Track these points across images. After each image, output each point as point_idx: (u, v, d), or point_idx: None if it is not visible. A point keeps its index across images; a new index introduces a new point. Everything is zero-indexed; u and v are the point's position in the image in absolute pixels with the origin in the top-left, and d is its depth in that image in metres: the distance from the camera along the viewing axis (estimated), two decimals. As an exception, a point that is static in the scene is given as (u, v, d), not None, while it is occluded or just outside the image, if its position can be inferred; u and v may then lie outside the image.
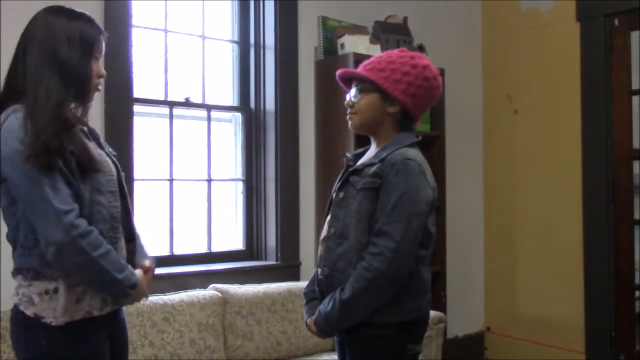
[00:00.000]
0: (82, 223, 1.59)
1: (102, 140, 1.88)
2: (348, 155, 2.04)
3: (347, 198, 1.87)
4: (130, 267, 1.73)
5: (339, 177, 1.99)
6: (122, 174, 1.84)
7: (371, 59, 1.94)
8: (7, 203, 1.66)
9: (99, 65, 1.76)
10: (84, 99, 1.73)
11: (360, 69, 1.94)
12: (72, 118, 1.67)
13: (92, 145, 1.74)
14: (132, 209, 1.89)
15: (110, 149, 1.88)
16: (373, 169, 1.84)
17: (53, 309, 1.63)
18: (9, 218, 1.68)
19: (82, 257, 1.58)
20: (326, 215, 1.98)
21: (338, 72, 1.99)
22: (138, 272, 1.79)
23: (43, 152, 1.56)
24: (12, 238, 1.69)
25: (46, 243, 1.58)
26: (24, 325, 1.65)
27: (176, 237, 3.20)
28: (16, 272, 1.68)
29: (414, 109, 1.91)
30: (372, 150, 1.98)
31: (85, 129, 1.76)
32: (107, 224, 1.70)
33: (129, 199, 1.87)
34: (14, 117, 1.61)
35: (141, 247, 1.92)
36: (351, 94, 1.96)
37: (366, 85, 1.91)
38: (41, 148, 1.56)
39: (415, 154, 1.86)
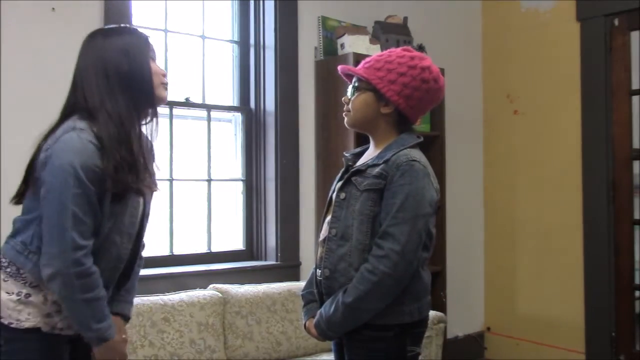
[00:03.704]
0: (87, 262, 1.60)
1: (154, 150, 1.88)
2: (347, 154, 2.02)
3: (349, 199, 1.85)
4: (111, 322, 1.69)
5: (338, 177, 1.98)
6: (148, 212, 1.84)
7: (372, 57, 1.93)
8: (32, 196, 1.67)
9: (157, 65, 1.78)
10: (152, 100, 1.75)
11: (360, 66, 1.93)
12: (138, 140, 1.70)
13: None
14: (139, 251, 1.89)
15: (155, 181, 1.85)
16: (377, 169, 1.82)
17: (18, 311, 1.63)
18: (26, 209, 1.69)
19: (69, 293, 1.59)
20: (325, 215, 1.96)
21: (339, 68, 1.99)
22: (119, 337, 1.75)
23: (107, 180, 1.60)
24: (18, 227, 1.69)
25: (45, 262, 1.59)
26: None
27: (176, 237, 3.20)
28: (3, 259, 1.67)
29: (409, 111, 1.88)
30: (372, 149, 1.96)
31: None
32: (111, 263, 1.71)
33: (142, 243, 1.88)
34: (79, 137, 1.61)
35: (130, 290, 1.89)
36: (348, 91, 1.95)
37: (362, 83, 1.90)
38: (109, 175, 1.60)
39: (419, 155, 1.85)
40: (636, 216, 3.79)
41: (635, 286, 3.78)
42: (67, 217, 1.56)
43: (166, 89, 1.80)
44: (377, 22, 3.65)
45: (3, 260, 1.66)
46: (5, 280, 1.64)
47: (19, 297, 1.63)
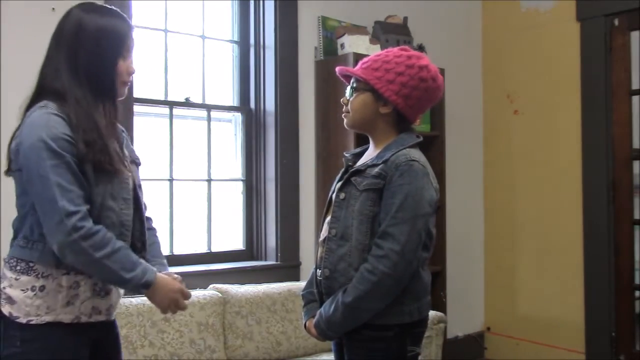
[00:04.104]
0: (87, 224, 1.57)
1: (129, 143, 1.88)
2: (347, 155, 2.02)
3: (349, 199, 1.86)
4: (145, 265, 1.67)
5: (338, 177, 1.98)
6: (139, 183, 1.84)
7: (370, 57, 1.93)
8: (19, 192, 1.68)
9: (128, 62, 1.76)
10: (113, 97, 1.75)
11: (357, 67, 1.93)
12: (105, 124, 1.69)
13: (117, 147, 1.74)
14: (145, 220, 1.87)
15: (135, 156, 1.88)
16: (376, 169, 1.82)
17: (37, 307, 1.61)
18: (18, 207, 1.70)
19: (85, 258, 1.58)
20: (325, 215, 1.96)
21: (337, 69, 1.99)
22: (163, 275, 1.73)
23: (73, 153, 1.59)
24: (17, 227, 1.69)
25: (50, 240, 1.59)
26: (2, 323, 1.64)
27: (176, 237, 3.20)
28: (6, 261, 1.67)
29: (408, 110, 1.88)
30: (371, 149, 1.96)
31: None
32: (115, 230, 1.69)
33: (144, 209, 1.86)
34: (40, 113, 1.61)
35: (158, 255, 1.89)
36: (347, 92, 1.95)
37: (360, 84, 1.90)
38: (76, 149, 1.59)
39: (418, 154, 1.85)
40: (636, 216, 3.79)
41: (635, 286, 3.78)
42: (52, 188, 1.55)
43: (127, 86, 1.79)
44: (377, 22, 3.65)
45: (12, 261, 1.66)
46: (17, 279, 1.63)
47: (34, 292, 1.62)
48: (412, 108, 1.88)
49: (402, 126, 1.92)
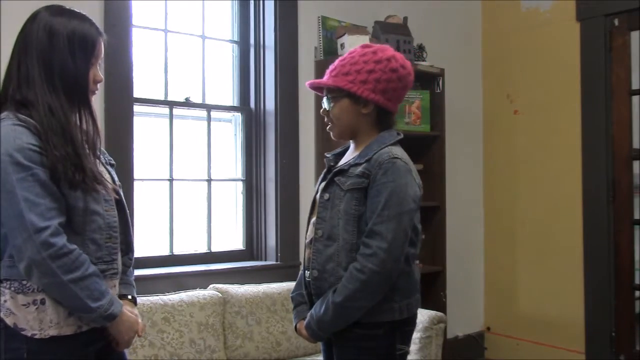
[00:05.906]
0: (58, 242, 1.51)
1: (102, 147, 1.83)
2: (328, 155, 2.04)
3: (333, 199, 1.87)
4: (112, 296, 1.62)
5: (321, 178, 1.99)
6: (119, 185, 1.78)
7: (335, 63, 1.92)
8: None
9: (97, 70, 1.70)
10: (88, 104, 1.69)
11: (326, 76, 1.92)
12: (80, 133, 1.64)
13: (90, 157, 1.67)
14: (131, 221, 1.82)
15: (108, 158, 1.83)
16: (359, 169, 1.84)
17: (40, 320, 1.56)
18: None
19: (52, 279, 1.51)
20: (310, 216, 1.97)
21: (307, 84, 2.00)
22: (127, 307, 1.69)
23: (47, 166, 1.53)
24: (1, 248, 1.62)
25: (18, 258, 1.53)
26: (5, 335, 1.58)
27: (176, 237, 3.20)
28: (3, 282, 1.61)
29: (388, 103, 1.89)
30: (352, 149, 1.98)
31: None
32: (103, 233, 1.64)
33: (127, 210, 1.80)
34: (3, 125, 1.54)
35: (130, 273, 1.84)
36: (324, 104, 1.95)
37: (335, 92, 1.90)
38: (50, 163, 1.53)
39: (400, 152, 1.87)
40: (636, 216, 3.79)
41: (635, 286, 3.78)
42: (19, 203, 1.48)
43: (94, 94, 1.72)
44: (377, 22, 3.65)
45: (5, 283, 1.59)
46: (12, 298, 1.57)
47: (36, 306, 1.56)
48: (391, 100, 1.90)
49: (384, 124, 1.93)
